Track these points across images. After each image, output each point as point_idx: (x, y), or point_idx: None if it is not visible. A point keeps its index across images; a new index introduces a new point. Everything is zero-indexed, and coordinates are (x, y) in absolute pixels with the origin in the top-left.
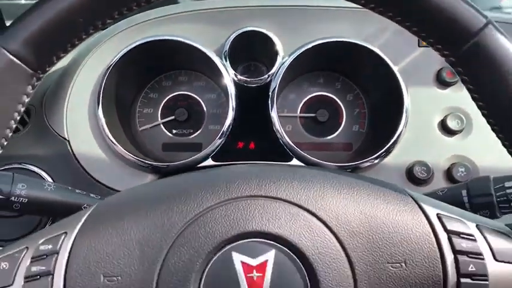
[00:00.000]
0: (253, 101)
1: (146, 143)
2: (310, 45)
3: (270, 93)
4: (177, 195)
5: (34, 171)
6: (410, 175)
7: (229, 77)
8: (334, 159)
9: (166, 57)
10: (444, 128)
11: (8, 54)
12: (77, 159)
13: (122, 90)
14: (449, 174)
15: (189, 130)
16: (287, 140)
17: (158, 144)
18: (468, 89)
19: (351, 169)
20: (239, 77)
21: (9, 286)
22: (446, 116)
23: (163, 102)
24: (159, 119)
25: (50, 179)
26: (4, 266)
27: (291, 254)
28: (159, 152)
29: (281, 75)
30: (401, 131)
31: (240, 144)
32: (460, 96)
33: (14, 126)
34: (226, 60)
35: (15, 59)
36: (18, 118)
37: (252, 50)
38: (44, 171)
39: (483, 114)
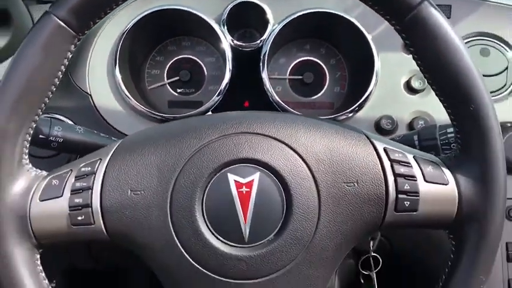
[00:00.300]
0: (247, 64)
1: (154, 100)
2: (296, 15)
3: (261, 57)
4: (186, 131)
5: (64, 121)
6: (378, 127)
7: (226, 42)
8: (318, 115)
9: (172, 24)
10: (408, 87)
11: (57, 19)
12: (98, 111)
13: (134, 52)
14: (411, 126)
15: (191, 89)
16: (276, 98)
17: (164, 101)
18: (411, 52)
19: (333, 119)
20: (235, 42)
21: (59, 197)
22: (410, 78)
23: (169, 64)
24: (165, 79)
25: None
26: (55, 183)
27: (271, 175)
28: (165, 109)
29: (271, 41)
30: (371, 90)
31: (235, 101)
32: None
33: (61, 76)
34: (224, 27)
35: (62, 23)
36: (64, 70)
37: (246, 18)
38: (70, 120)
39: (424, 76)
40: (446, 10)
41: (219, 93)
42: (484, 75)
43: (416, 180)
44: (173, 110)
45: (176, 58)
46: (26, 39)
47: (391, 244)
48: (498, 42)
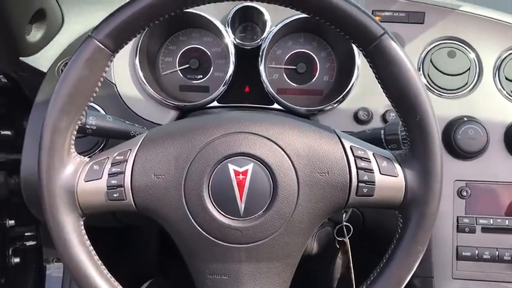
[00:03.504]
0: (248, 58)
1: (167, 85)
2: (291, 18)
3: (260, 53)
4: (197, 129)
5: (94, 107)
6: (356, 117)
7: (230, 39)
8: (308, 101)
9: (184, 20)
10: None
11: (97, 42)
12: (122, 99)
13: (150, 44)
14: (384, 117)
15: (199, 75)
16: (270, 90)
17: (176, 85)
18: (374, 73)
19: (317, 111)
20: (237, 41)
21: (99, 179)
22: None
23: (180, 53)
24: (177, 66)
25: (104, 113)
26: (96, 167)
27: (262, 166)
28: (177, 92)
29: (269, 40)
30: (353, 83)
31: (238, 90)
32: None
33: (100, 85)
34: (228, 27)
35: (101, 45)
36: (102, 80)
37: (248, 19)
38: (100, 107)
39: (383, 91)
40: (421, 16)
41: (224, 83)
42: (449, 75)
43: (373, 172)
44: (183, 94)
45: (187, 47)
46: (74, 56)
47: (363, 215)
48: (463, 45)
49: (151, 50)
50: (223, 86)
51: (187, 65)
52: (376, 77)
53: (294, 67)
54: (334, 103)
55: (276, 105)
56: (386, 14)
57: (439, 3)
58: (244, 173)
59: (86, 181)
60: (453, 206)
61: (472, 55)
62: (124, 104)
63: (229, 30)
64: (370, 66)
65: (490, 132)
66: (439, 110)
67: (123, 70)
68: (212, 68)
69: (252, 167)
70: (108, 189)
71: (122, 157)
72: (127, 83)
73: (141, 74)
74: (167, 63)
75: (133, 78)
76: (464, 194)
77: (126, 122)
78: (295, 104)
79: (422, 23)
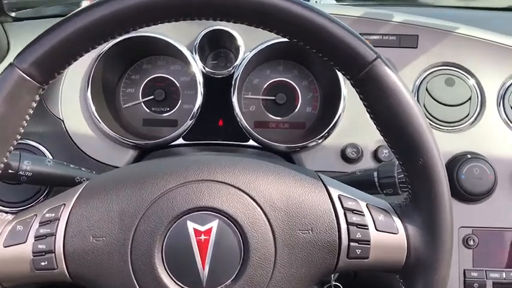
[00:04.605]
0: (220, 88)
1: (129, 119)
2: (268, 43)
3: (233, 82)
4: (148, 177)
5: (36, 147)
6: (344, 155)
7: (197, 68)
8: (290, 136)
9: (146, 47)
10: None
11: (21, 72)
12: (71, 137)
13: (108, 74)
14: (375, 155)
15: (166, 108)
16: (245, 123)
17: (139, 119)
18: (365, 106)
19: (300, 148)
20: (207, 69)
21: (23, 243)
22: None
23: (144, 83)
24: (140, 98)
25: (48, 154)
26: (19, 228)
27: (230, 222)
28: (140, 127)
29: (243, 68)
30: (339, 115)
31: (208, 125)
32: None
33: (25, 124)
34: (195, 54)
35: (26, 76)
36: (28, 119)
37: (220, 44)
38: (43, 147)
39: (377, 129)
40: (414, 40)
41: (191, 116)
42: (448, 105)
43: (368, 229)
44: (148, 129)
45: (151, 77)
46: None
47: (355, 273)
48: (462, 72)
49: (110, 80)
50: (191, 120)
51: (152, 97)
52: (368, 111)
53: (273, 98)
54: (319, 138)
55: (251, 142)
56: (375, 37)
57: (434, 25)
58: (207, 232)
59: (5, 246)
60: (459, 257)
61: (473, 82)
62: (73, 144)
63: (197, 57)
64: (361, 98)
65: (497, 170)
66: (438, 146)
67: (73, 104)
68: (181, 100)
69: (216, 224)
70: (34, 256)
71: (53, 214)
72: (77, 118)
73: (93, 108)
74: (129, 95)
75: (84, 113)
76: (471, 243)
77: (71, 166)
78: (275, 140)
79: (416, 47)
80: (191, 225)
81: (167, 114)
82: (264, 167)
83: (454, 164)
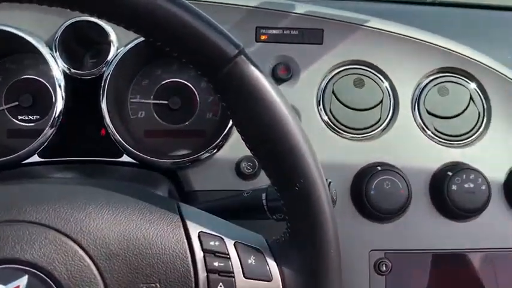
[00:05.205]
0: (89, 92)
1: None
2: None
3: (102, 84)
4: None
5: None
6: (238, 170)
7: (57, 67)
8: (188, 147)
9: (6, 43)
10: None
11: None
12: None
13: None
14: None
15: (35, 116)
16: (117, 136)
17: (3, 130)
18: (228, 112)
19: (189, 162)
20: (72, 70)
21: None
22: None
23: (8, 86)
24: (3, 104)
25: None
26: None
27: (45, 278)
28: (4, 139)
29: (114, 66)
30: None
31: (76, 137)
32: (291, 92)
33: None
34: (55, 51)
35: None
36: None
37: (90, 39)
38: None
39: (239, 132)
40: (319, 35)
41: (51, 124)
42: (357, 110)
43: (233, 277)
44: (14, 141)
45: (16, 79)
46: None
47: None
48: (373, 71)
49: None
50: (51, 128)
51: (16, 103)
52: (230, 114)
53: (166, 102)
54: (212, 149)
55: (125, 158)
56: (274, 32)
57: (341, 18)
58: None
59: None
60: (370, 286)
61: (385, 84)
62: None
63: (57, 54)
64: (223, 105)
65: (411, 184)
66: (345, 156)
67: None
68: (53, 106)
69: (26, 282)
70: None
71: None
72: None
73: None
74: None
75: None
76: (384, 268)
77: None
78: (164, 152)
79: (321, 44)
80: None
81: (36, 123)
82: (100, 198)
83: (363, 176)
